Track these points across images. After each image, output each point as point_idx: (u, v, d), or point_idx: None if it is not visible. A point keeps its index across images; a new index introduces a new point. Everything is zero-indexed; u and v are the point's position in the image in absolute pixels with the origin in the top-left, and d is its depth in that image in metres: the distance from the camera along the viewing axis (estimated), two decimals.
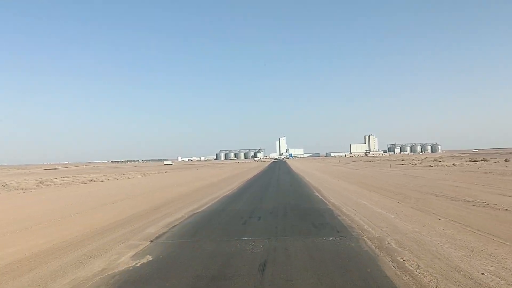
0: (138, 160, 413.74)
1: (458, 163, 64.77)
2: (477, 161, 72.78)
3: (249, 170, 73.49)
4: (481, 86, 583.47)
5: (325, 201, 17.34)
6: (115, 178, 59.71)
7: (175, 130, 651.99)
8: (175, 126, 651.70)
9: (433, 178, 32.49)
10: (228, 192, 23.47)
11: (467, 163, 67.24)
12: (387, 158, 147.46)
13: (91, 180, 52.19)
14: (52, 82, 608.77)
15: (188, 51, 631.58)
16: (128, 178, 61.59)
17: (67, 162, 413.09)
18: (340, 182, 30.94)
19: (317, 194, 20.67)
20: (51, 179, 55.16)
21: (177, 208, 16.88)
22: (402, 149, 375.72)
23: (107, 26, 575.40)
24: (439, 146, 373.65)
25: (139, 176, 63.15)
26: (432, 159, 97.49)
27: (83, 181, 51.81)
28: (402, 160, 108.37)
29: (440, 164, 66.25)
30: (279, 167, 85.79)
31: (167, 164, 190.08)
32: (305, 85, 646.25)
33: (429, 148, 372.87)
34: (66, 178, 59.31)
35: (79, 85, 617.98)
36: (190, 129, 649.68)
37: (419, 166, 64.33)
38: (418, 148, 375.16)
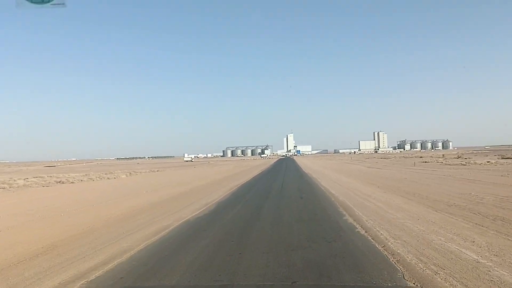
0: (144, 157, 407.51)
1: (493, 161, 55.37)
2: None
3: (250, 169, 64.40)
4: (491, 83, 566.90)
5: (379, 248, 7.97)
6: (91, 179, 51.09)
7: (182, 127, 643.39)
8: (182, 123, 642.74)
9: (496, 182, 23.21)
10: (195, 214, 14.28)
11: (505, 160, 57.81)
12: (402, 155, 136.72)
13: (59, 182, 43.58)
14: (63, 81, 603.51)
15: (195, 48, 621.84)
16: (108, 178, 53.06)
17: (74, 159, 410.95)
18: (372, 190, 21.57)
19: (351, 221, 11.28)
20: (14, 180, 46.66)
21: (73, 256, 7.91)
22: (412, 146, 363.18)
23: (114, 23, 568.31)
24: (450, 143, 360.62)
25: (123, 176, 54.62)
26: (455, 157, 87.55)
27: (50, 182, 43.29)
28: (421, 157, 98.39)
29: (470, 162, 56.68)
30: (286, 165, 76.59)
31: (187, 161, 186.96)
32: (312, 82, 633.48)
33: (440, 144, 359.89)
34: (35, 179, 50.82)
35: (88, 84, 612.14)
36: (197, 126, 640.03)
37: (449, 164, 54.90)
38: (429, 145, 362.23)
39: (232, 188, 25.17)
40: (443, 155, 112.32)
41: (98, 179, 51.21)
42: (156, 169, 72.96)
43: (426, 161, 68.39)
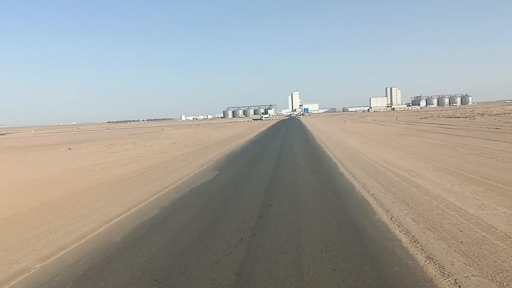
0: (139, 120, 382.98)
1: None
2: None
3: (221, 143, 38.80)
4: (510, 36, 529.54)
5: None
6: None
7: (181, 86, 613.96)
8: (181, 82, 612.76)
9: None
10: None
11: None
12: (436, 110, 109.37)
13: None
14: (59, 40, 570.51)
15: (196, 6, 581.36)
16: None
17: (75, 123, 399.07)
18: None
19: None
20: None
21: None
22: (428, 102, 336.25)
23: None
24: (470, 98, 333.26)
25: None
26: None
27: None
28: (478, 114, 72.48)
29: None
30: (286, 134, 49.77)
31: (255, 119, 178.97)
32: (319, 35, 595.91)
33: (458, 100, 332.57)
34: None
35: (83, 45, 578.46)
36: (197, 86, 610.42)
37: None
38: (446, 101, 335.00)
39: None
40: (485, 111, 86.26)
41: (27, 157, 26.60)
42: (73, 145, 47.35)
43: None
